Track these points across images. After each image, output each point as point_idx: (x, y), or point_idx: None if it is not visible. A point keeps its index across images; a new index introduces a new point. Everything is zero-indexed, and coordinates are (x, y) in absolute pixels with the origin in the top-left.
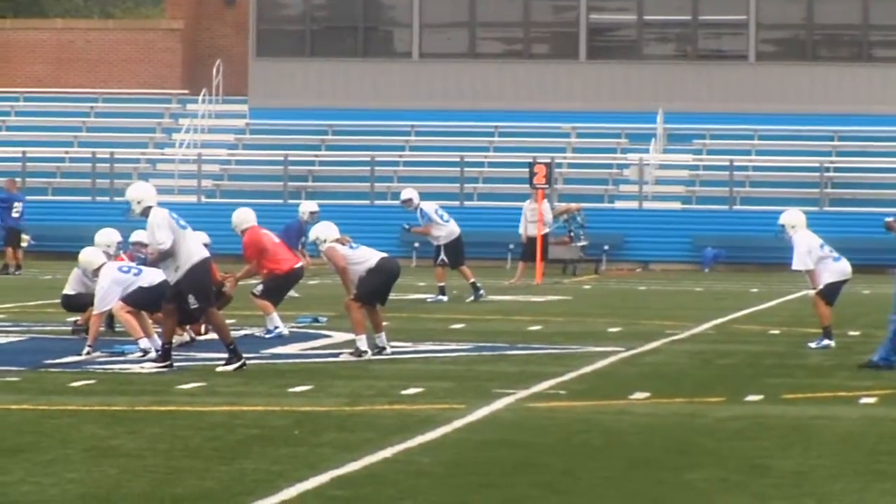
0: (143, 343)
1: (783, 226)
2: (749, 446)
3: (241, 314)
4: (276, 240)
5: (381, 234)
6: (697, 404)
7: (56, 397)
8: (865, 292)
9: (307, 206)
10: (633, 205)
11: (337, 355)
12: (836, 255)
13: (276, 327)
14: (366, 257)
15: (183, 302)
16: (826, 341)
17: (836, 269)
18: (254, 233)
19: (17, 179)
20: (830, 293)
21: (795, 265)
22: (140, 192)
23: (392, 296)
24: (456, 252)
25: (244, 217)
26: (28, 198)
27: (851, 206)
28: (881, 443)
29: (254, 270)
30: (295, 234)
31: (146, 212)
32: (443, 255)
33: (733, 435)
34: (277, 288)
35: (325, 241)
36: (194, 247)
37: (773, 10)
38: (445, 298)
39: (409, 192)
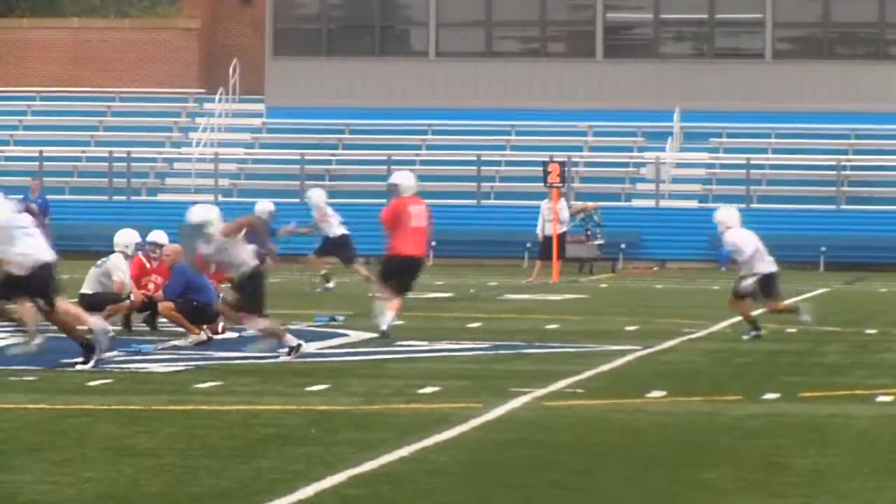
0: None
1: (719, 224)
2: (766, 445)
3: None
4: None
5: None
6: (714, 403)
7: (73, 396)
8: (882, 290)
9: (265, 206)
10: (650, 203)
11: (355, 354)
12: (764, 252)
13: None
14: (242, 259)
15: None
16: (754, 333)
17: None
18: None
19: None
20: (759, 288)
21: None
22: None
23: (410, 295)
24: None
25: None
26: (46, 197)
27: (868, 204)
28: None
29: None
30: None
31: None
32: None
33: (750, 433)
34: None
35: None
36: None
37: (790, 8)
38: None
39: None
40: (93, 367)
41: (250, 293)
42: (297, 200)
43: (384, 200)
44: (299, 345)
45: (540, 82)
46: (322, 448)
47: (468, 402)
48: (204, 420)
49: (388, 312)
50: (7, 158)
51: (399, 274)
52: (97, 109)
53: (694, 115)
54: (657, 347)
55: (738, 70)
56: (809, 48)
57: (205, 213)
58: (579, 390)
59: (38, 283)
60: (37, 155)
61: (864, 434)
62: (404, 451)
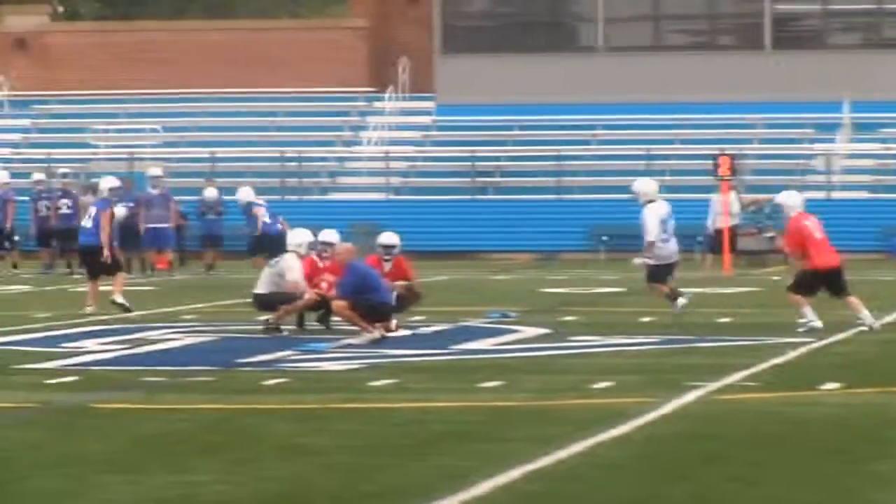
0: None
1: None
2: None
3: (430, 311)
4: None
5: (567, 228)
6: (889, 394)
7: (248, 396)
8: None
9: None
10: (821, 195)
11: (532, 350)
12: (665, 236)
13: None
14: None
15: None
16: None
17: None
18: None
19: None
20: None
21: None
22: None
23: (581, 290)
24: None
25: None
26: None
27: None
28: None
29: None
30: None
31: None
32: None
33: None
34: None
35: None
36: None
37: None
38: None
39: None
40: None
41: None
42: (469, 197)
43: (554, 196)
44: None
45: (708, 75)
46: (496, 444)
47: (641, 397)
48: (378, 418)
49: (805, 310)
50: (180, 160)
51: (817, 283)
52: (268, 110)
53: (864, 106)
54: (830, 339)
55: None
56: None
57: None
58: (752, 383)
59: None
60: (208, 156)
61: None
62: (579, 447)
